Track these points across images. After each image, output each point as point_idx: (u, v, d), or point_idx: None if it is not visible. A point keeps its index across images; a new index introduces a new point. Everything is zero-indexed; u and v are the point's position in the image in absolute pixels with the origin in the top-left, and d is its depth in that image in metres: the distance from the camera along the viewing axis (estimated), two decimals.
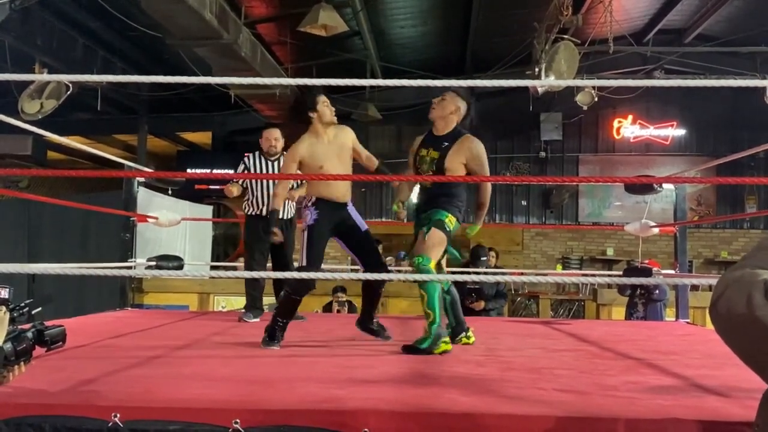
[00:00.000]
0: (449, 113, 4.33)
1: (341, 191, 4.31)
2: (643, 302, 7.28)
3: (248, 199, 5.93)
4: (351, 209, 4.43)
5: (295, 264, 4.88)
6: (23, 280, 8.67)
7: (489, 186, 4.46)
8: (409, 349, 3.95)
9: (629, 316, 7.43)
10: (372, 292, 4.49)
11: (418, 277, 3.89)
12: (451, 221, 4.17)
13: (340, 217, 4.34)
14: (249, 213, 5.94)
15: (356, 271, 7.23)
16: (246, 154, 6.03)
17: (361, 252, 4.41)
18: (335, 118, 4.38)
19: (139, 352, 3.73)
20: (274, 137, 5.93)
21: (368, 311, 4.52)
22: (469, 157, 4.25)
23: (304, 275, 3.96)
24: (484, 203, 4.45)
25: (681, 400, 2.71)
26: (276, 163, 5.91)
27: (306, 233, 4.24)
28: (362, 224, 4.45)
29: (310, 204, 4.29)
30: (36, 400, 2.46)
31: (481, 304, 7.31)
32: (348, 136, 4.40)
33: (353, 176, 4.46)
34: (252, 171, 5.88)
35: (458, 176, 4.19)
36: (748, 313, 1.38)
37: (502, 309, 7.86)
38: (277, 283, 5.92)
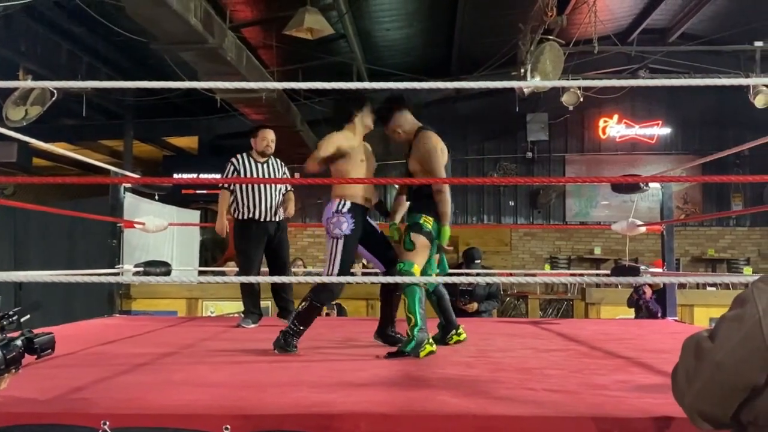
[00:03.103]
0: (403, 125, 4.33)
1: (373, 195, 4.28)
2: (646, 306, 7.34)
3: (237, 203, 5.67)
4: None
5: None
6: (9, 288, 8.61)
7: (443, 188, 4.10)
8: (394, 355, 3.92)
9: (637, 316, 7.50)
10: (393, 295, 4.38)
11: (442, 279, 3.89)
12: (427, 221, 4.12)
13: (365, 222, 4.26)
14: (239, 217, 5.68)
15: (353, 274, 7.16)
16: (232, 158, 5.79)
17: (381, 254, 4.33)
18: (372, 126, 4.38)
19: (129, 359, 3.71)
20: (271, 138, 5.75)
21: (388, 318, 4.41)
22: (419, 154, 4.21)
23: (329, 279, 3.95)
24: (440, 206, 4.14)
25: (671, 398, 2.71)
26: (265, 166, 5.75)
27: (341, 242, 4.08)
28: (377, 225, 4.41)
29: (344, 210, 4.11)
30: (25, 408, 2.44)
31: (474, 306, 7.27)
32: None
33: (369, 180, 4.34)
34: (242, 173, 5.67)
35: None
36: (706, 365, 1.34)
37: (493, 310, 7.85)
38: (276, 289, 5.88)
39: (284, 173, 5.90)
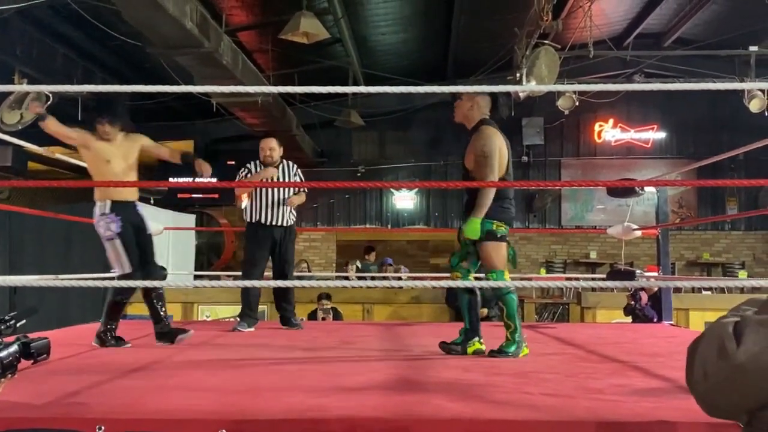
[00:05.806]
0: (467, 110, 4.31)
1: (132, 190, 4.56)
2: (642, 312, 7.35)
3: (250, 207, 5.82)
4: (139, 207, 4.63)
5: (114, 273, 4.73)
6: (5, 292, 8.58)
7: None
8: (497, 353, 4.02)
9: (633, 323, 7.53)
10: (151, 296, 4.64)
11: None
12: (500, 226, 4.12)
13: (134, 215, 4.53)
14: (249, 221, 5.83)
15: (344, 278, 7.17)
16: (247, 163, 5.95)
17: (142, 253, 4.54)
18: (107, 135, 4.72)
19: (124, 364, 3.70)
20: (270, 146, 5.80)
21: (155, 317, 4.69)
22: (475, 152, 4.17)
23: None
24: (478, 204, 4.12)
25: (667, 402, 2.72)
26: (277, 171, 5.84)
27: (118, 241, 4.38)
28: (149, 226, 4.64)
29: (107, 211, 4.40)
30: (20, 413, 2.43)
31: (484, 312, 7.18)
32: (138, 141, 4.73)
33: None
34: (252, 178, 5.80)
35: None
36: (726, 366, 1.31)
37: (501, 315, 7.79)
38: (278, 294, 5.91)
39: (295, 177, 5.95)
